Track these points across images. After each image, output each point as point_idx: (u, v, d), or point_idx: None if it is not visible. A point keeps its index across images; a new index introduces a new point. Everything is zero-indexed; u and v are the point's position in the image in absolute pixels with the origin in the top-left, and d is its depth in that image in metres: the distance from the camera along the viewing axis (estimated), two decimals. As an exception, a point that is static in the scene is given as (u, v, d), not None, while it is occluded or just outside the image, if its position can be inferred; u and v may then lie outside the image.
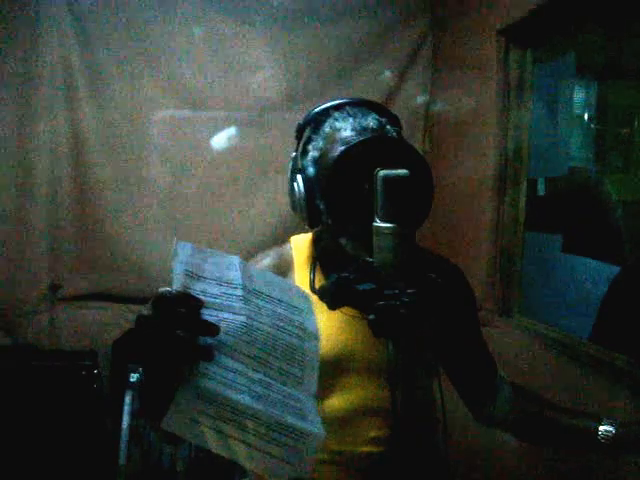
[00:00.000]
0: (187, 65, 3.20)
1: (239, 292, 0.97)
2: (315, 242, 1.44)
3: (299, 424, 0.95)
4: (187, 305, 0.90)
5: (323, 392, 1.36)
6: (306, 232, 1.48)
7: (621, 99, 2.38)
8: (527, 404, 1.45)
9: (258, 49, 3.23)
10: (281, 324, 1.00)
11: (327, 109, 1.34)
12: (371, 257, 1.10)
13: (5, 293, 3.15)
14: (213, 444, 0.91)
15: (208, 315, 0.91)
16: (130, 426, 2.86)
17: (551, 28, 2.40)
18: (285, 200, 1.41)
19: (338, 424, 1.35)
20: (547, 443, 1.54)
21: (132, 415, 2.87)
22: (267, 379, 0.95)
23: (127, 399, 2.88)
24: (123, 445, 2.83)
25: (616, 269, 2.09)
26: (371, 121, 1.28)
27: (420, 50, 3.31)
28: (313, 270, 1.38)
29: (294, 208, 1.37)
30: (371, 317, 1.07)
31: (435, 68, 3.29)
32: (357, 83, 3.27)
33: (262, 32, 3.22)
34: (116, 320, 3.21)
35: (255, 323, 0.96)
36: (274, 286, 1.03)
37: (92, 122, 3.16)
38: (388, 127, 1.32)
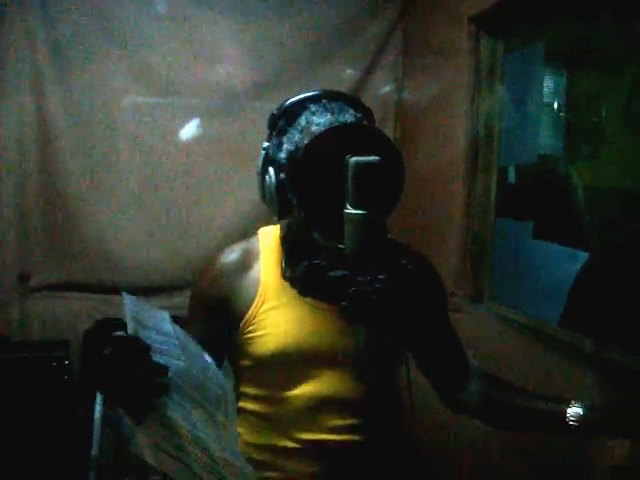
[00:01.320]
0: (156, 52, 3.17)
1: (175, 341, 1.06)
2: (284, 234, 1.43)
3: (238, 463, 1.04)
4: (140, 348, 0.95)
5: (289, 382, 1.37)
6: (274, 224, 1.47)
7: (590, 88, 2.41)
8: (496, 391, 1.47)
9: (227, 37, 3.21)
10: (208, 375, 1.10)
11: (303, 101, 1.32)
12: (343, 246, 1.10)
13: (-26, 284, 3.11)
14: (172, 470, 0.97)
15: (156, 358, 0.98)
16: (102, 416, 2.84)
17: (521, 16, 2.41)
18: (256, 189, 1.40)
19: (306, 413, 1.36)
20: (517, 428, 1.56)
21: (104, 405, 2.85)
22: (205, 420, 1.03)
23: (99, 390, 2.86)
24: (95, 435, 2.81)
25: (585, 255, 2.11)
26: (349, 118, 1.27)
27: (391, 38, 3.31)
28: (285, 259, 1.38)
29: (264, 199, 1.36)
30: (343, 304, 1.08)
31: (406, 56, 3.29)
32: (327, 71, 3.27)
33: (232, 20, 3.20)
34: (87, 310, 3.18)
35: (192, 369, 1.05)
36: (191, 343, 1.13)
37: (60, 110, 3.11)
38: (364, 123, 1.31)
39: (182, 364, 1.03)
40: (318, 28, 3.26)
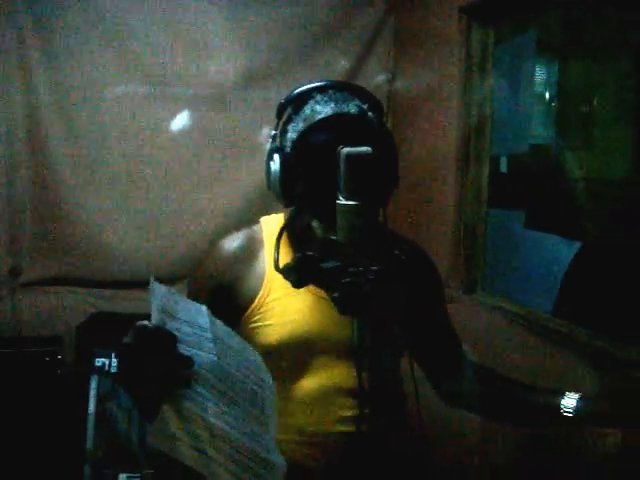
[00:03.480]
0: (145, 42, 3.14)
1: (209, 335, 1.03)
2: (287, 222, 1.43)
3: (268, 455, 1.03)
4: (165, 338, 0.94)
5: (294, 373, 1.36)
6: (277, 213, 1.47)
7: (582, 77, 2.41)
8: (491, 383, 1.47)
9: (218, 27, 3.19)
10: (244, 370, 1.07)
11: (310, 90, 1.32)
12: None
13: (-36, 280, 3.09)
14: (193, 461, 0.96)
15: (182, 350, 0.96)
16: (97, 410, 2.84)
17: (513, 6, 2.40)
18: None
19: (310, 404, 1.36)
20: (511, 421, 1.56)
21: (98, 399, 2.85)
22: (236, 413, 1.01)
23: (93, 384, 2.86)
24: (90, 429, 2.81)
25: (577, 244, 2.11)
26: (352, 107, 1.27)
27: (382, 28, 3.30)
28: (277, 250, 1.37)
29: (269, 186, 1.36)
30: (335, 295, 1.07)
31: (397, 46, 3.28)
32: (319, 61, 3.25)
33: (222, 10, 3.18)
34: (79, 304, 3.17)
35: (224, 364, 1.02)
36: (233, 338, 1.10)
37: (48, 102, 3.08)
38: (369, 114, 1.30)
39: (213, 358, 1.01)
40: (309, 18, 3.24)
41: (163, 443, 0.94)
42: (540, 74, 2.45)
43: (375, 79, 3.30)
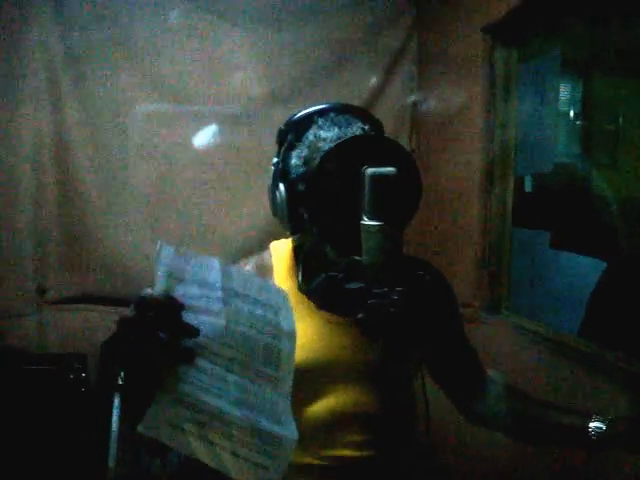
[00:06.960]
0: (171, 64, 3.18)
1: (219, 294, 0.97)
2: (296, 248, 1.42)
3: (274, 429, 0.99)
4: (168, 307, 0.91)
5: (307, 398, 1.35)
6: (286, 237, 1.46)
7: (607, 95, 2.39)
8: (516, 402, 1.45)
9: (242, 47, 3.22)
10: (258, 324, 1.00)
11: (311, 115, 1.32)
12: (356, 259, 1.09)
13: (-9, 297, 3.12)
14: (191, 449, 0.94)
15: (188, 318, 0.93)
16: (120, 429, 2.84)
17: (536, 25, 2.40)
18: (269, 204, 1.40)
19: (322, 429, 1.34)
20: (537, 441, 1.54)
21: (122, 418, 2.85)
22: (244, 381, 0.98)
23: (116, 402, 2.87)
24: (112, 448, 2.81)
25: (603, 264, 2.09)
26: (356, 131, 1.26)
27: (406, 48, 3.31)
28: (301, 273, 1.37)
29: (275, 214, 1.36)
30: (360, 316, 1.07)
31: (421, 66, 3.29)
32: (343, 81, 3.26)
33: (246, 30, 3.21)
34: (104, 322, 3.18)
35: (233, 325, 0.98)
36: (251, 285, 1.01)
37: (75, 124, 3.13)
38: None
39: (220, 322, 0.96)
40: (334, 37, 3.26)
41: (158, 432, 0.91)
42: (565, 92, 2.44)
43: (399, 99, 3.31)
